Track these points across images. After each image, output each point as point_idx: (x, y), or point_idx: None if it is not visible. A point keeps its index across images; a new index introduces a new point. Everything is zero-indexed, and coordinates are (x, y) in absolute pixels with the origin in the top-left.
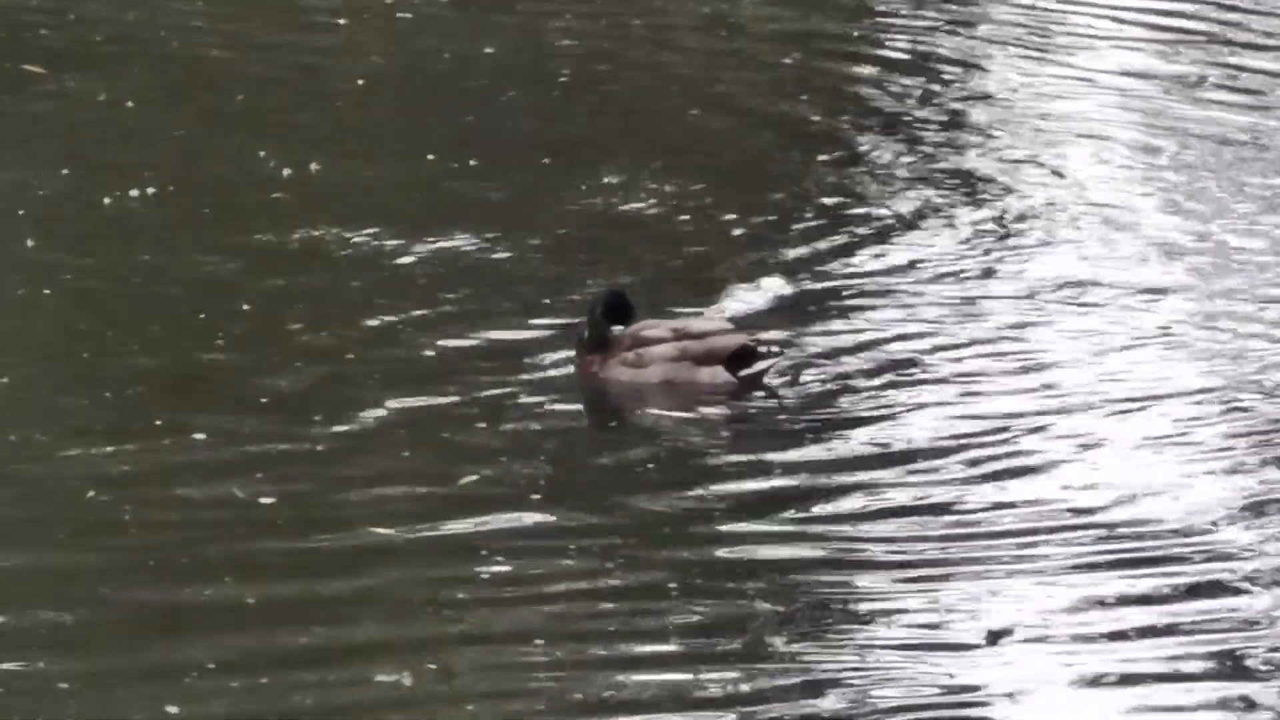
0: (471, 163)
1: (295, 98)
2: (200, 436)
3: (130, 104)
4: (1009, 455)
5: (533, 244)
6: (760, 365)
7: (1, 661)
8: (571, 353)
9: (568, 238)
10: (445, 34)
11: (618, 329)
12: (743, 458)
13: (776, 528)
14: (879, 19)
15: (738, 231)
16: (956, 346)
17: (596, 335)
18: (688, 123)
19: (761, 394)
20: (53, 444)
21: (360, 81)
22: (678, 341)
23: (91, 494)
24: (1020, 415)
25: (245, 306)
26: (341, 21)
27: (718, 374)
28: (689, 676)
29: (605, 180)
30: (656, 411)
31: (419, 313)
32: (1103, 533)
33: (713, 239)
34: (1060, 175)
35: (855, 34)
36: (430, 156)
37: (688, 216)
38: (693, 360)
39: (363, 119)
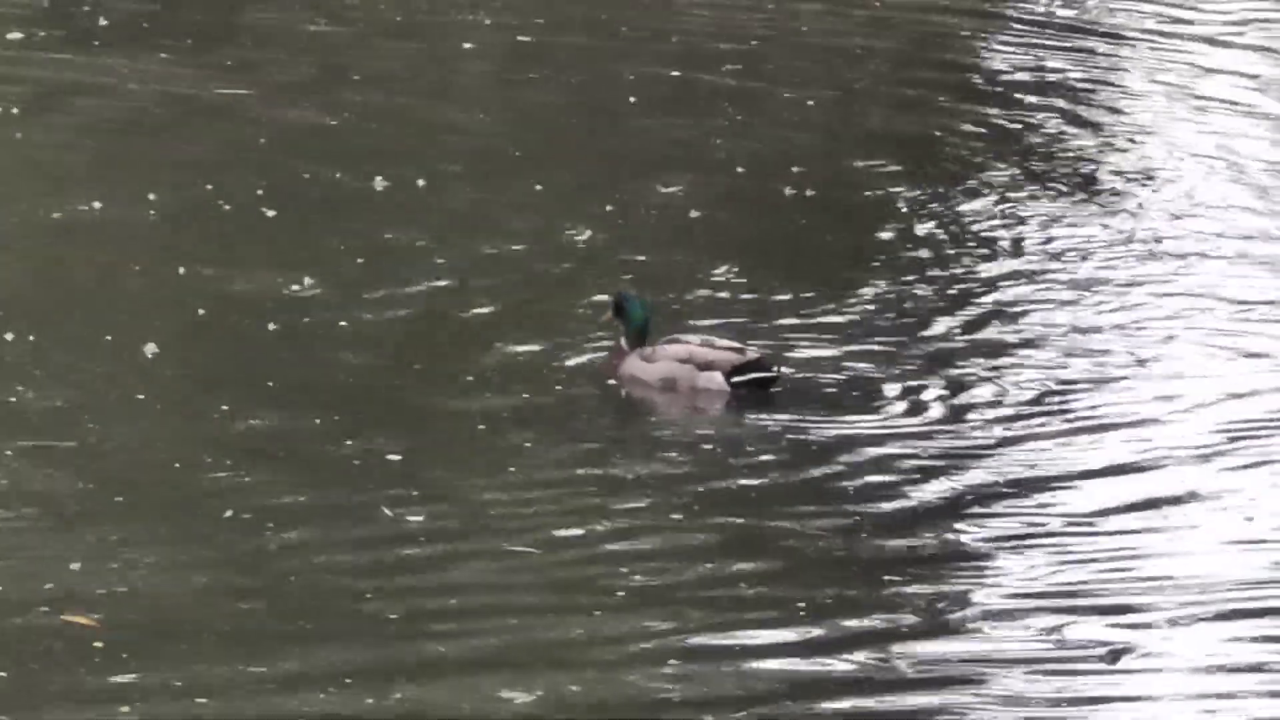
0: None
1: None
2: (350, 443)
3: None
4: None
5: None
6: (753, 376)
7: (137, 671)
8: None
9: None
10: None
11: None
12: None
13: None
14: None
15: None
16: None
17: (633, 334)
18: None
19: (759, 406)
20: (198, 454)
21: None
22: (691, 346)
23: (230, 513)
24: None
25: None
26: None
27: (714, 379)
28: (805, 672)
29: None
30: (676, 408)
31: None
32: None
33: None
34: (1171, 191)
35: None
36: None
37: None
38: (696, 364)
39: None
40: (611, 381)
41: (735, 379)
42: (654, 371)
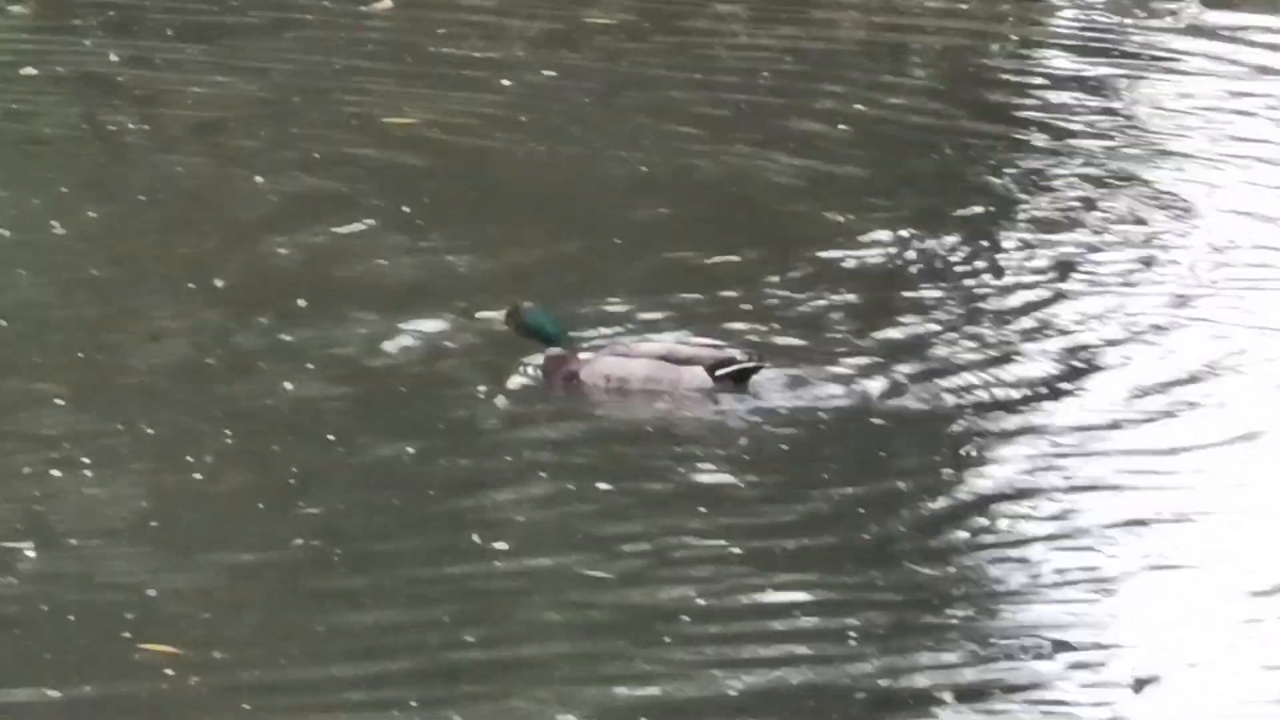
0: None
1: None
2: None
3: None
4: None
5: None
6: (736, 368)
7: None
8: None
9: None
10: None
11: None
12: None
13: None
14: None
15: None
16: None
17: (564, 343)
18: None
19: (743, 400)
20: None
21: None
22: (667, 344)
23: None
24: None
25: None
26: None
27: (698, 374)
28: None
29: None
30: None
31: None
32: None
33: None
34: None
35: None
36: None
37: None
38: (675, 361)
39: None
40: (560, 392)
41: (719, 372)
42: (633, 370)
